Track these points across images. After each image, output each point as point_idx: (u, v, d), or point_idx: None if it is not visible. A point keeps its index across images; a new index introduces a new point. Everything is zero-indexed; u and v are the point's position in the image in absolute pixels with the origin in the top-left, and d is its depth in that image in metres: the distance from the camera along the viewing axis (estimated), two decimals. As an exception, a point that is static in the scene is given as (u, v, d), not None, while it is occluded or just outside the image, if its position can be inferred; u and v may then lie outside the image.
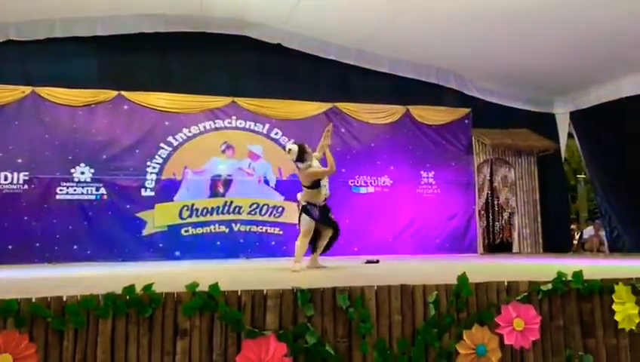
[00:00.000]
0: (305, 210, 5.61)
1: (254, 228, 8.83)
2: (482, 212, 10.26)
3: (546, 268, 4.56)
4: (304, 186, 5.70)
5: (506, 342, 2.93)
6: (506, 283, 3.08)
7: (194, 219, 8.58)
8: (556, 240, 10.39)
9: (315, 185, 5.62)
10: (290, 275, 4.49)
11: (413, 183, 9.66)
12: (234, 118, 9.00)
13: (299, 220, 5.72)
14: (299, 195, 5.82)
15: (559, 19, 7.70)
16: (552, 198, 10.64)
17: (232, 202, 8.78)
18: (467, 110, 10.09)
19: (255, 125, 9.07)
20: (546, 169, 10.61)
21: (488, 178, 10.37)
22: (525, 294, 3.04)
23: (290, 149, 5.66)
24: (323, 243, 5.82)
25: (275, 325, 2.70)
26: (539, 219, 10.35)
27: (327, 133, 6.07)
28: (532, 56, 8.80)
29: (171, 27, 8.73)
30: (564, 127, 10.92)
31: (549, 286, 3.09)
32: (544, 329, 3.04)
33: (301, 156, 5.59)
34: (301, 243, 5.52)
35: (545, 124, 10.75)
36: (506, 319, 2.96)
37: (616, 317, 3.14)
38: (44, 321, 2.47)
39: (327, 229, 5.77)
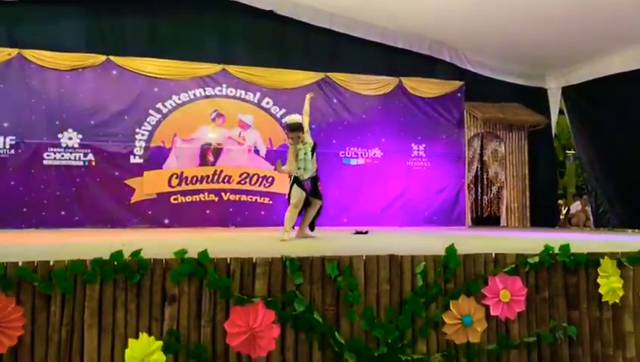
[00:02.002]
0: (296, 181, 5.60)
1: (244, 198, 8.81)
2: (471, 185, 10.32)
3: (533, 241, 4.61)
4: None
5: (492, 312, 2.98)
6: (493, 256, 3.11)
7: (183, 188, 8.55)
8: (543, 215, 10.48)
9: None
10: (280, 244, 4.50)
11: (404, 156, 9.66)
12: (224, 85, 8.89)
13: (289, 191, 5.70)
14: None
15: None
16: (540, 173, 10.72)
17: (221, 171, 8.74)
18: (460, 83, 10.04)
19: (246, 94, 8.97)
20: (536, 144, 10.65)
21: (479, 152, 10.40)
22: (512, 266, 3.08)
23: (295, 122, 5.62)
24: (312, 213, 5.81)
25: (263, 292, 2.71)
26: (527, 193, 10.43)
27: (309, 99, 6.04)
28: (525, 29, 8.73)
29: (161, -10, 8.54)
30: (555, 102, 10.91)
31: (537, 258, 3.13)
32: (530, 300, 3.09)
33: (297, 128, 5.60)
34: (290, 215, 5.51)
35: (537, 99, 10.74)
36: (492, 290, 3.00)
37: (601, 290, 3.19)
38: (32, 286, 2.46)
39: (315, 201, 5.76)
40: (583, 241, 4.54)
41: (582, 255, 3.19)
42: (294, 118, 5.76)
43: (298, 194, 5.54)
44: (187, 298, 2.63)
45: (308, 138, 5.74)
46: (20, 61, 7.98)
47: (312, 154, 5.70)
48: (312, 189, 5.68)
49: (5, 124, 7.85)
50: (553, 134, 11.27)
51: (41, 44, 8.08)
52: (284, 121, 5.95)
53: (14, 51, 7.96)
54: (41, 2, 8.08)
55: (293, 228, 5.67)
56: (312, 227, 5.97)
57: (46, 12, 8.14)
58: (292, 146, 5.66)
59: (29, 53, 8.00)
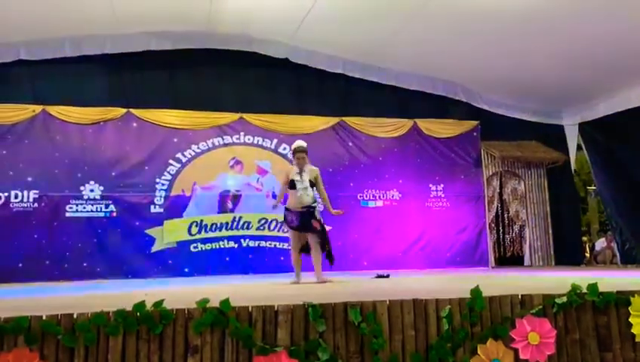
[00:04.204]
0: (284, 217, 5.53)
1: (263, 244, 8.81)
2: (492, 225, 10.20)
3: (559, 280, 4.51)
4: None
5: (522, 356, 2.88)
6: (519, 297, 3.04)
7: (203, 235, 8.58)
8: (568, 253, 10.28)
9: (291, 185, 5.56)
10: (301, 291, 4.46)
11: (422, 197, 9.62)
12: (242, 133, 9.04)
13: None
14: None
15: (565, 31, 7.72)
16: (562, 210, 10.56)
17: (240, 217, 8.77)
18: (475, 123, 10.07)
19: (263, 140, 9.10)
20: (555, 181, 10.55)
21: (498, 191, 10.33)
22: (540, 307, 2.99)
23: (298, 145, 5.68)
24: (316, 253, 5.57)
25: (286, 341, 2.66)
26: (550, 231, 10.27)
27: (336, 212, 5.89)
28: (540, 67, 8.81)
29: (179, 44, 8.82)
30: (573, 138, 10.87)
31: (564, 299, 3.04)
32: (560, 343, 2.99)
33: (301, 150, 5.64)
34: (293, 257, 5.43)
35: (554, 135, 10.72)
36: (520, 333, 2.91)
37: (634, 330, 3.07)
38: (55, 339, 2.46)
39: (312, 236, 5.55)
40: (612, 279, 4.43)
41: (611, 294, 3.10)
42: (299, 142, 5.82)
43: (289, 234, 5.44)
44: (210, 348, 2.60)
45: (311, 167, 5.70)
46: (44, 117, 8.24)
47: (313, 187, 5.62)
48: (303, 222, 5.48)
49: (29, 179, 8.03)
50: (573, 170, 11.17)
51: (64, 100, 8.36)
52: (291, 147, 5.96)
53: (39, 108, 8.22)
54: (63, 60, 8.39)
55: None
56: (329, 256, 5.66)
57: (68, 69, 8.44)
58: (284, 175, 5.68)
59: (53, 109, 8.26)
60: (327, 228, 5.90)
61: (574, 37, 7.84)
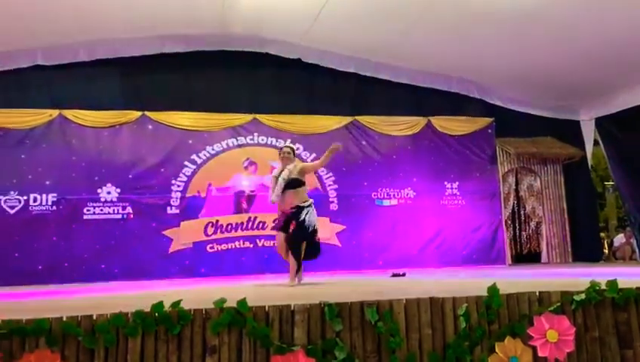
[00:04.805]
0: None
1: (278, 244, 8.82)
2: (509, 222, 10.12)
3: (577, 277, 4.46)
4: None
5: (540, 354, 2.86)
6: (537, 294, 3.02)
7: (219, 236, 8.64)
8: (586, 249, 10.17)
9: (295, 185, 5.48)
10: (317, 290, 4.47)
11: (437, 195, 9.58)
12: (256, 134, 9.07)
13: None
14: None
15: (581, 25, 7.63)
16: (579, 206, 10.44)
17: (255, 218, 8.81)
18: (490, 119, 10.01)
19: (277, 141, 9.12)
20: (572, 177, 10.44)
21: (514, 187, 10.25)
22: (558, 304, 2.97)
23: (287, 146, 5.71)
24: (289, 256, 5.46)
25: (303, 340, 2.67)
26: (567, 227, 10.16)
27: (332, 150, 5.50)
28: (554, 63, 8.71)
29: (192, 47, 8.87)
30: (589, 133, 10.74)
31: (583, 296, 3.01)
32: (579, 340, 2.96)
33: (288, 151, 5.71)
34: (290, 260, 5.35)
35: (570, 131, 10.60)
36: (539, 330, 2.89)
37: (655, 327, 3.04)
38: (76, 340, 2.49)
39: (287, 238, 5.48)
40: (631, 275, 4.37)
41: (631, 290, 3.06)
42: (289, 143, 5.92)
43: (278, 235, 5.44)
44: (227, 348, 2.62)
45: (295, 163, 5.61)
46: (61, 121, 8.35)
47: (302, 185, 5.50)
48: (285, 222, 5.41)
49: (47, 182, 8.14)
50: (589, 166, 11.04)
51: (81, 104, 8.46)
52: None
53: (55, 112, 8.33)
54: (79, 65, 8.48)
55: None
56: (310, 255, 5.51)
57: (84, 74, 8.53)
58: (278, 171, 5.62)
59: (70, 113, 8.37)
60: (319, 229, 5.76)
61: (589, 32, 7.75)
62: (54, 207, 8.12)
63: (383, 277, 6.56)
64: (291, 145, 5.93)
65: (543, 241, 10.14)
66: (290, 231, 5.38)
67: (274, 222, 5.55)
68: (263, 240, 8.77)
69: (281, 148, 5.84)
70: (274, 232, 5.99)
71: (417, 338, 2.81)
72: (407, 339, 2.79)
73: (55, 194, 8.15)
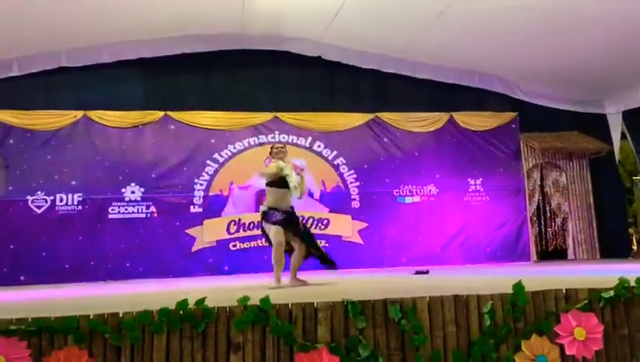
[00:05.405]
0: (263, 216, 5.20)
1: (301, 241, 8.83)
2: (534, 218, 9.96)
3: (605, 274, 4.37)
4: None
5: (568, 352, 2.81)
6: (564, 291, 2.96)
7: (241, 234, 8.68)
8: (614, 245, 9.95)
9: (279, 184, 5.24)
10: (340, 287, 4.46)
11: (461, 191, 9.48)
12: (277, 132, 9.09)
13: (263, 232, 5.34)
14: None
15: (605, 17, 7.46)
16: (607, 202, 10.22)
17: (277, 216, 8.82)
18: (513, 114, 9.86)
19: (298, 139, 9.13)
20: (599, 172, 10.22)
21: (539, 183, 10.08)
22: (585, 302, 2.91)
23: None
24: (298, 256, 5.30)
25: (326, 338, 2.67)
26: (594, 223, 9.97)
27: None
28: (579, 55, 8.54)
29: (213, 46, 8.92)
30: (616, 127, 10.49)
31: (611, 293, 2.95)
32: (607, 338, 2.90)
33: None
34: (276, 256, 5.07)
35: (596, 125, 10.37)
36: (566, 328, 2.84)
37: (686, 325, 2.96)
38: (103, 337, 2.53)
39: (295, 240, 5.27)
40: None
41: (661, 287, 2.99)
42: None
43: (273, 230, 5.06)
44: (251, 346, 2.63)
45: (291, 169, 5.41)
46: (86, 122, 8.48)
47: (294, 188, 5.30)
48: (288, 220, 5.19)
49: (73, 183, 8.28)
50: (617, 161, 10.80)
51: (104, 105, 8.58)
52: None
53: (80, 113, 8.47)
54: (103, 66, 8.58)
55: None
56: (325, 261, 5.38)
57: (108, 75, 8.64)
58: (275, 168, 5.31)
59: (94, 114, 8.50)
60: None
61: (615, 23, 7.58)
62: (80, 207, 8.26)
63: (406, 274, 6.52)
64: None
65: (569, 238, 9.97)
66: (301, 228, 5.32)
67: (272, 216, 5.16)
68: (285, 238, 8.77)
69: (273, 145, 5.72)
70: (313, 230, 5.84)
71: (441, 335, 2.79)
72: (431, 337, 2.77)
73: (80, 194, 8.28)
